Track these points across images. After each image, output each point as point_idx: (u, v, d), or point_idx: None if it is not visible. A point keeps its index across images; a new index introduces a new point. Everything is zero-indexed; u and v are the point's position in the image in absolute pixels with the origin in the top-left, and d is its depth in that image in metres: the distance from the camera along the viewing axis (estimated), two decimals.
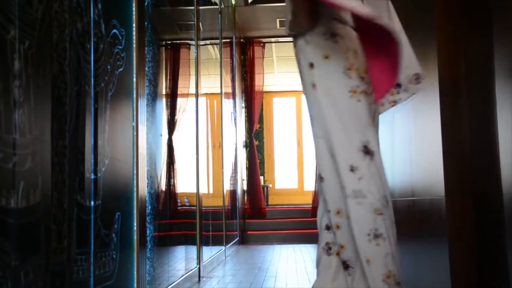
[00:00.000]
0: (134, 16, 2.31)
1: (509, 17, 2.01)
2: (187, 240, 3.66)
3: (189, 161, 3.85)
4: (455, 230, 2.34)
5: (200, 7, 4.15)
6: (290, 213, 7.65)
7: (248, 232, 7.27)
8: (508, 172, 1.98)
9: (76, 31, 1.68)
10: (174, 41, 3.55)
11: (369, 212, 1.65)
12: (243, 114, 8.19)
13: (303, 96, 2.00)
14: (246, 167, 8.07)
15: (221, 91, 5.65)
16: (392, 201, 1.76)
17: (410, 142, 2.96)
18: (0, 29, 1.18)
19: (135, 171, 2.26)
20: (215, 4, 5.47)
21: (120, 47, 2.12)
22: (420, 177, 2.79)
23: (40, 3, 1.37)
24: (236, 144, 6.89)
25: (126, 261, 2.12)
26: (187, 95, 3.69)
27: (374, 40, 1.66)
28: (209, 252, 4.31)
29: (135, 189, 2.26)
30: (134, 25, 2.31)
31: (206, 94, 4.73)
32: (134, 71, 2.30)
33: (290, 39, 1.89)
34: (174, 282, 2.98)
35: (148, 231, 2.48)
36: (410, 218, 2.95)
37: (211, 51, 5.18)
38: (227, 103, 6.32)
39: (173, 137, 3.29)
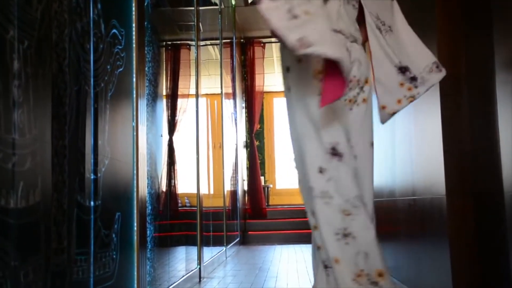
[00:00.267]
0: (133, 16, 2.31)
1: (509, 17, 2.00)
2: (188, 241, 3.65)
3: (189, 162, 3.85)
4: (456, 229, 2.34)
5: (200, 8, 4.15)
6: (291, 214, 7.64)
7: (249, 232, 7.27)
8: (509, 171, 1.97)
9: (76, 31, 1.68)
10: (174, 42, 3.55)
11: (336, 212, 1.65)
12: (244, 115, 8.19)
13: None
14: (247, 168, 8.07)
15: (222, 92, 5.65)
16: (373, 200, 1.76)
17: (411, 142, 2.95)
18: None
19: (135, 171, 2.26)
20: (215, 4, 5.47)
21: (120, 47, 2.12)
22: (420, 176, 2.79)
23: (39, 3, 1.37)
24: (236, 144, 6.89)
25: (126, 261, 2.12)
26: (187, 95, 3.69)
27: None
28: (209, 253, 4.31)
29: (135, 189, 2.26)
30: (134, 25, 2.31)
31: (207, 94, 4.73)
32: (134, 71, 2.30)
33: None
34: (174, 282, 2.98)
35: (148, 232, 2.48)
36: (410, 217, 2.94)
37: (211, 52, 5.18)
38: (228, 104, 6.32)
39: (174, 138, 3.29)
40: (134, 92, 2.30)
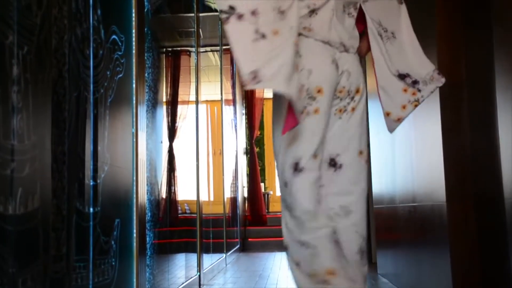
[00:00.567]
0: (133, 22, 2.31)
1: (509, 18, 2.00)
2: (188, 248, 3.64)
3: (189, 168, 3.84)
4: (457, 236, 2.33)
5: (200, 14, 4.16)
6: None
7: (249, 239, 7.25)
8: (509, 176, 1.97)
9: (76, 36, 1.67)
10: (174, 48, 3.55)
11: (298, 223, 1.73)
12: (244, 121, 8.19)
13: None
14: (247, 174, 8.06)
15: (222, 98, 5.65)
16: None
17: (411, 148, 2.95)
18: None
19: (134, 178, 2.25)
20: (215, 11, 5.48)
21: (119, 53, 2.12)
22: (421, 183, 2.78)
23: (39, 9, 1.37)
24: (236, 151, 6.89)
25: (125, 268, 2.11)
26: (187, 101, 3.69)
27: None
28: (209, 260, 4.29)
29: (134, 195, 2.25)
30: (133, 31, 2.31)
31: (207, 101, 4.74)
32: (134, 77, 2.30)
33: None
34: None
35: (148, 238, 2.47)
36: (411, 224, 2.93)
37: (212, 58, 5.19)
38: (228, 110, 6.32)
39: (174, 144, 3.28)
40: (134, 98, 2.30)
